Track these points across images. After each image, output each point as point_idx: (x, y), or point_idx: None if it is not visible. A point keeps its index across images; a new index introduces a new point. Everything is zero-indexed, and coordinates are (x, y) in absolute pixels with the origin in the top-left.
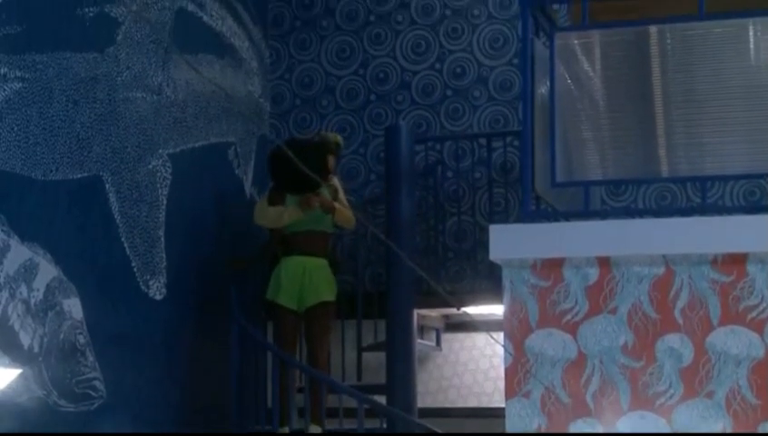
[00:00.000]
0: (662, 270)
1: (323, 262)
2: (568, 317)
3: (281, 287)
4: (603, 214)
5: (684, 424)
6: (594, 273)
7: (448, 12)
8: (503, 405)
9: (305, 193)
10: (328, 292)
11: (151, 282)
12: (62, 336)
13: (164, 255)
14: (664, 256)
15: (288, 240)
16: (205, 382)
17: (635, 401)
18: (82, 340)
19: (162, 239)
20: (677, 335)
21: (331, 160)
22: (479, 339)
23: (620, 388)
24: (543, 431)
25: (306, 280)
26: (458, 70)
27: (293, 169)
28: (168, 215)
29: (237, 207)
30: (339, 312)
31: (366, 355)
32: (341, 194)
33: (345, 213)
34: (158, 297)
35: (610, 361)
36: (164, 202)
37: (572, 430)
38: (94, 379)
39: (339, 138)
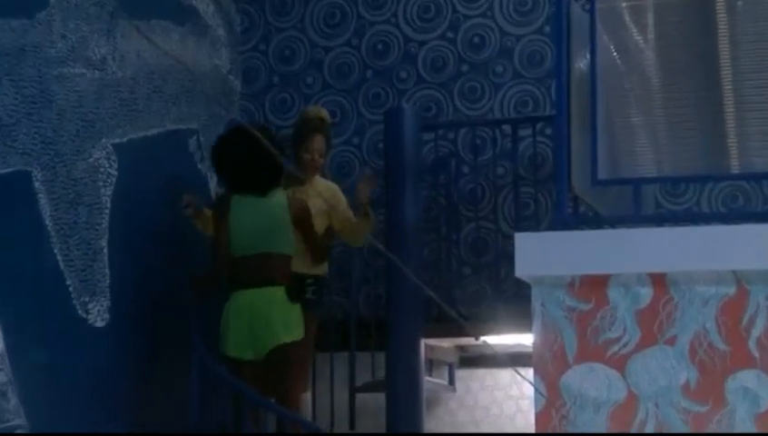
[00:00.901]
0: (732, 290)
1: (278, 291)
2: (615, 349)
3: (229, 333)
4: (658, 220)
5: None
6: (646, 294)
7: None
8: None
9: (261, 190)
10: (286, 331)
11: (90, 306)
12: None
13: (108, 272)
14: (734, 272)
15: (234, 266)
16: (158, 428)
17: None
18: (2, 378)
19: (106, 251)
20: (753, 372)
21: (319, 141)
22: (503, 376)
23: None
24: None
25: (257, 320)
26: (476, 40)
27: (250, 158)
28: (113, 221)
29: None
30: (327, 344)
31: (360, 397)
32: (339, 196)
33: (367, 224)
34: (99, 324)
35: (668, 404)
36: (108, 204)
37: None
38: (18, 427)
39: (325, 112)
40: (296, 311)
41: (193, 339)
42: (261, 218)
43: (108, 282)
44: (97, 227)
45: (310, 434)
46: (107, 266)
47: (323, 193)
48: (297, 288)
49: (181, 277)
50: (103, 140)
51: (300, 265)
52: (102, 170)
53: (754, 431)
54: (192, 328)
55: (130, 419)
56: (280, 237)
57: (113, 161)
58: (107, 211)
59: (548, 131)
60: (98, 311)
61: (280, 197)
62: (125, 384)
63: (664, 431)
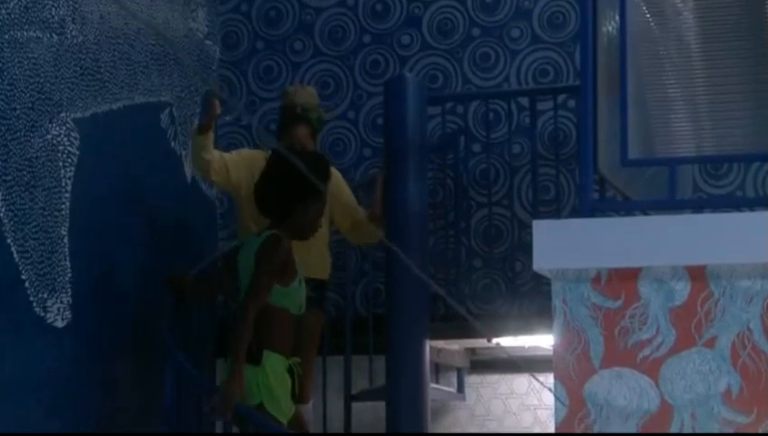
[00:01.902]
0: None
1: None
2: (646, 351)
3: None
4: (696, 205)
5: None
6: (683, 289)
7: None
8: None
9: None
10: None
11: (49, 303)
12: None
13: (68, 264)
14: None
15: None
16: None
17: None
18: None
19: (66, 241)
20: None
21: (301, 131)
22: (519, 383)
23: None
24: None
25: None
26: None
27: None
28: (74, 207)
29: (173, 194)
30: (319, 346)
31: (357, 406)
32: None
33: (377, 232)
34: (59, 324)
35: (706, 414)
36: (69, 187)
37: None
38: None
39: (308, 95)
40: None
41: (166, 341)
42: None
43: (69, 276)
44: (56, 213)
45: None
46: (68, 258)
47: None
48: None
49: (152, 271)
50: (63, 114)
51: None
52: (61, 148)
53: None
54: (165, 329)
55: (93, 430)
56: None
57: (74, 138)
58: (68, 195)
59: (571, 103)
60: (58, 308)
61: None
62: (89, 391)
63: None
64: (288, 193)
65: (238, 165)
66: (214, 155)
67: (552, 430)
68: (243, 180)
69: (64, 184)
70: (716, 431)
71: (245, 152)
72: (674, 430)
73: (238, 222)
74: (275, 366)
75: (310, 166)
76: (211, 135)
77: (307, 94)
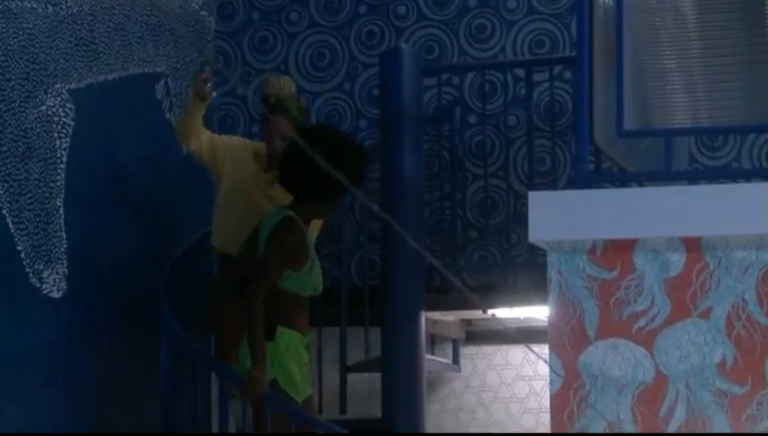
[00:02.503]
0: None
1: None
2: (641, 323)
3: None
4: (692, 177)
5: None
6: (678, 261)
7: None
8: None
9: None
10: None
11: (45, 274)
12: None
13: (64, 235)
14: None
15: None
16: (122, 413)
17: None
18: None
19: (62, 212)
20: None
21: (279, 124)
22: (514, 354)
23: (715, 423)
24: None
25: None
26: None
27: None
28: (69, 178)
29: (168, 166)
30: (314, 317)
31: (352, 378)
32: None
33: None
34: (55, 294)
35: (701, 385)
36: (64, 158)
37: None
38: None
39: (284, 85)
40: None
41: (163, 311)
42: None
43: (65, 247)
44: (51, 185)
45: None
46: (63, 229)
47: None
48: None
49: (147, 242)
50: (58, 85)
51: None
52: (56, 119)
53: None
54: (162, 298)
55: (90, 402)
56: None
57: (69, 109)
58: (62, 166)
59: (567, 75)
60: (54, 279)
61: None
62: (85, 362)
63: (696, 414)
64: (322, 179)
65: (225, 147)
66: (204, 132)
67: (547, 400)
68: (228, 166)
69: (59, 155)
70: (710, 401)
71: (237, 139)
72: (668, 400)
73: (215, 200)
74: (289, 342)
75: (349, 157)
76: (202, 106)
77: (281, 84)
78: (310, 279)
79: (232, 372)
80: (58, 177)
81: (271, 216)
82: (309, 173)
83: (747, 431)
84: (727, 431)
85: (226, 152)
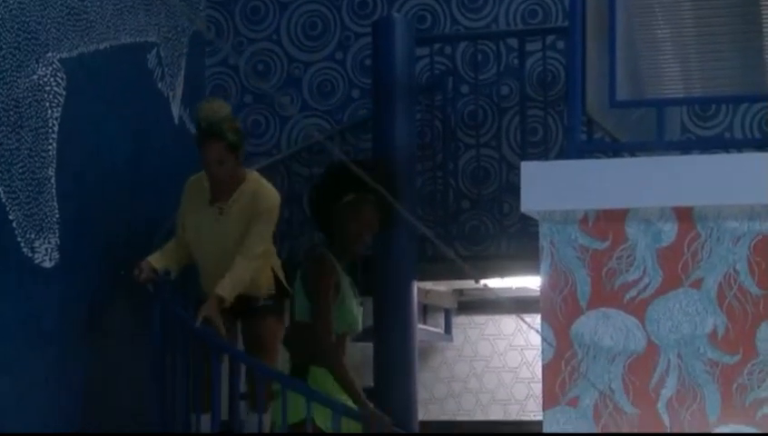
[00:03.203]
0: (767, 225)
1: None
2: (633, 293)
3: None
4: (684, 147)
5: None
6: (670, 231)
7: None
8: (540, 417)
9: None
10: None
11: (37, 244)
12: None
13: (56, 205)
14: None
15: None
16: (114, 383)
17: (728, 411)
18: None
19: (53, 181)
20: None
21: (213, 149)
22: (506, 324)
23: (706, 393)
24: None
25: None
26: None
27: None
28: (61, 148)
29: (160, 135)
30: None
31: None
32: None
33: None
34: (47, 264)
35: (692, 354)
36: (55, 127)
37: None
38: None
39: (219, 104)
40: None
41: (157, 285)
42: None
43: (57, 217)
44: (43, 154)
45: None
46: (55, 199)
47: (238, 221)
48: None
49: (139, 211)
50: (49, 54)
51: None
52: (48, 89)
53: None
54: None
55: (82, 371)
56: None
57: (61, 78)
58: (54, 136)
59: (560, 45)
60: (46, 249)
61: None
62: (76, 332)
63: (687, 383)
64: (349, 214)
65: (182, 231)
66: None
67: (538, 370)
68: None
69: (50, 125)
70: (702, 370)
71: (183, 205)
72: (659, 370)
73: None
74: (319, 383)
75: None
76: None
77: (213, 108)
78: (341, 315)
79: (221, 340)
80: (50, 147)
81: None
82: (337, 209)
83: (738, 400)
84: (718, 400)
85: (184, 233)
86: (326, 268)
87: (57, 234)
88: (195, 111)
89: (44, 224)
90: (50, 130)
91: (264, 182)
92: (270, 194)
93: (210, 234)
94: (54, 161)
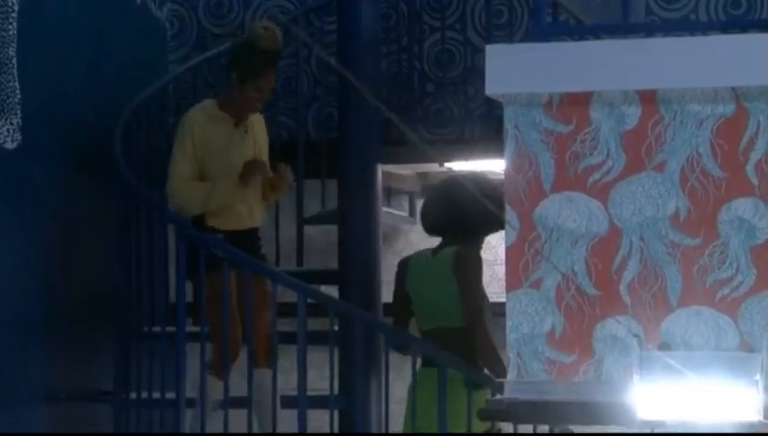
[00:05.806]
0: (731, 109)
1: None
2: (596, 176)
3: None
4: (648, 29)
5: (754, 325)
6: (634, 114)
7: None
8: (503, 299)
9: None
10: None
11: None
12: None
13: (17, 84)
14: (733, 89)
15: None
16: (80, 270)
17: (689, 293)
18: None
19: (14, 61)
20: (749, 200)
21: (273, 78)
22: None
23: (668, 274)
24: (560, 332)
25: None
26: None
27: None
28: (22, 25)
29: (122, 15)
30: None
31: (309, 229)
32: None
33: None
34: (9, 145)
35: (654, 236)
36: (16, 7)
37: (599, 331)
38: None
39: (279, 36)
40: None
41: (119, 165)
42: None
43: (18, 97)
44: (3, 34)
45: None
46: (16, 79)
47: (259, 136)
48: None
49: (103, 93)
50: None
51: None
52: None
53: (751, 264)
54: (117, 151)
55: (48, 254)
56: (449, 307)
57: None
58: (14, 15)
59: None
60: (8, 130)
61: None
62: (39, 213)
63: (649, 265)
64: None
65: (193, 163)
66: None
67: (502, 252)
68: (203, 158)
69: (10, 5)
70: (663, 252)
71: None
72: (622, 252)
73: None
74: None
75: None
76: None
77: (273, 36)
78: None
79: (186, 222)
80: (10, 26)
81: (425, 260)
82: (455, 215)
83: (698, 281)
84: (679, 282)
85: (202, 152)
86: (475, 258)
87: (19, 115)
88: (257, 36)
89: (5, 105)
90: (10, 9)
91: None
92: None
93: (239, 153)
94: (15, 41)
